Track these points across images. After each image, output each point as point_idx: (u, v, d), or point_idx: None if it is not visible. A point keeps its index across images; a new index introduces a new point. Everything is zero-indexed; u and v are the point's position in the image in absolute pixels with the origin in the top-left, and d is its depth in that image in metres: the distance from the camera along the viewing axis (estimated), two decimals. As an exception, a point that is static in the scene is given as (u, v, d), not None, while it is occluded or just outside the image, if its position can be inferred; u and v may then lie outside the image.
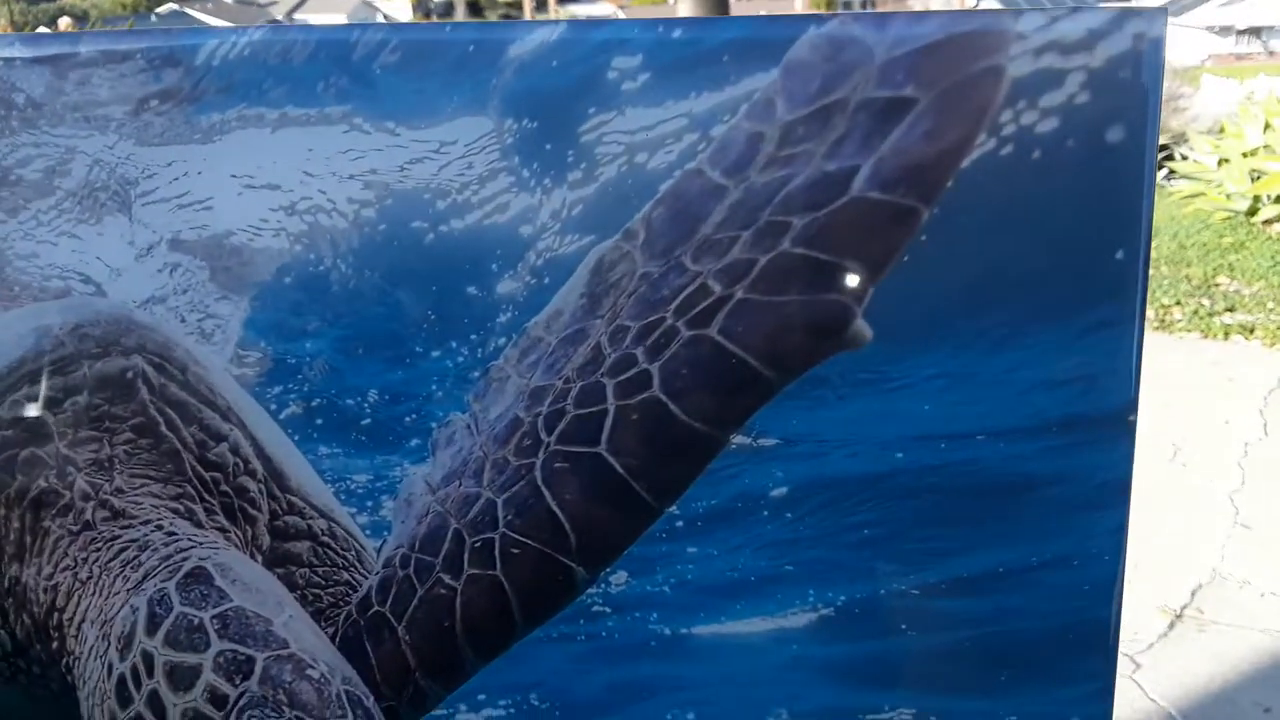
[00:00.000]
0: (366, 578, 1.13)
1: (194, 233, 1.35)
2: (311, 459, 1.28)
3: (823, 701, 1.48)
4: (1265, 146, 5.05)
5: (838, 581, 1.51)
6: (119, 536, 1.06)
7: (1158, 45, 0.93)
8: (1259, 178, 5.06)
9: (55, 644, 1.05)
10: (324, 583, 1.16)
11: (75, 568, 1.05)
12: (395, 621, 0.98)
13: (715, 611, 1.52)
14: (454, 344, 1.43)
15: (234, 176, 1.59)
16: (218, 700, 0.78)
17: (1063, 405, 1.37)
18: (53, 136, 1.48)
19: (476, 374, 1.07)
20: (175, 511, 1.10)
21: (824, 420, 1.69)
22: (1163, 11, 1.04)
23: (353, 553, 1.19)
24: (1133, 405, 1.24)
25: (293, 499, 1.18)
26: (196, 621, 0.85)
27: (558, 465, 0.89)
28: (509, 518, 0.90)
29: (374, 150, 1.51)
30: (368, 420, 1.24)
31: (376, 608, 1.01)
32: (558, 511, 0.86)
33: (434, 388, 1.31)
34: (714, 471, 0.89)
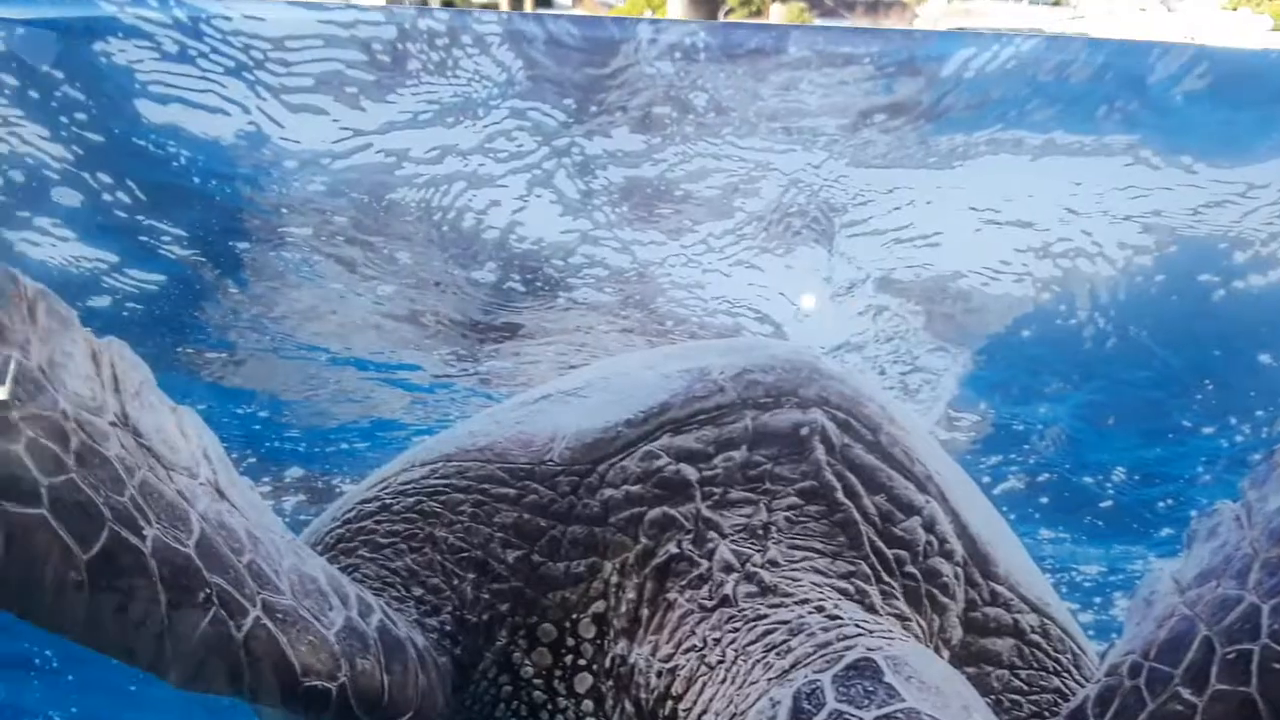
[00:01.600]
0: (1082, 686, 1.56)
1: (911, 272, 1.97)
2: (1029, 543, 1.68)
3: None
4: None
5: None
6: (765, 616, 1.48)
7: None
8: None
9: None
10: (1027, 688, 1.62)
11: (703, 649, 1.47)
12: None
13: None
14: (1233, 420, 1.76)
15: (973, 209, 2.19)
16: None
17: None
18: (739, 149, 2.26)
19: (1258, 456, 1.41)
20: (842, 592, 1.53)
21: None
22: None
23: (1068, 656, 1.66)
24: None
25: (998, 588, 1.62)
26: None
27: None
28: (1276, 627, 1.25)
29: (1161, 189, 1.95)
30: (1108, 502, 1.68)
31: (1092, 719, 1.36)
32: None
33: (1199, 469, 1.67)
34: None
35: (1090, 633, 1.60)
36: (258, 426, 2.12)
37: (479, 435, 1.68)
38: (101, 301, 1.42)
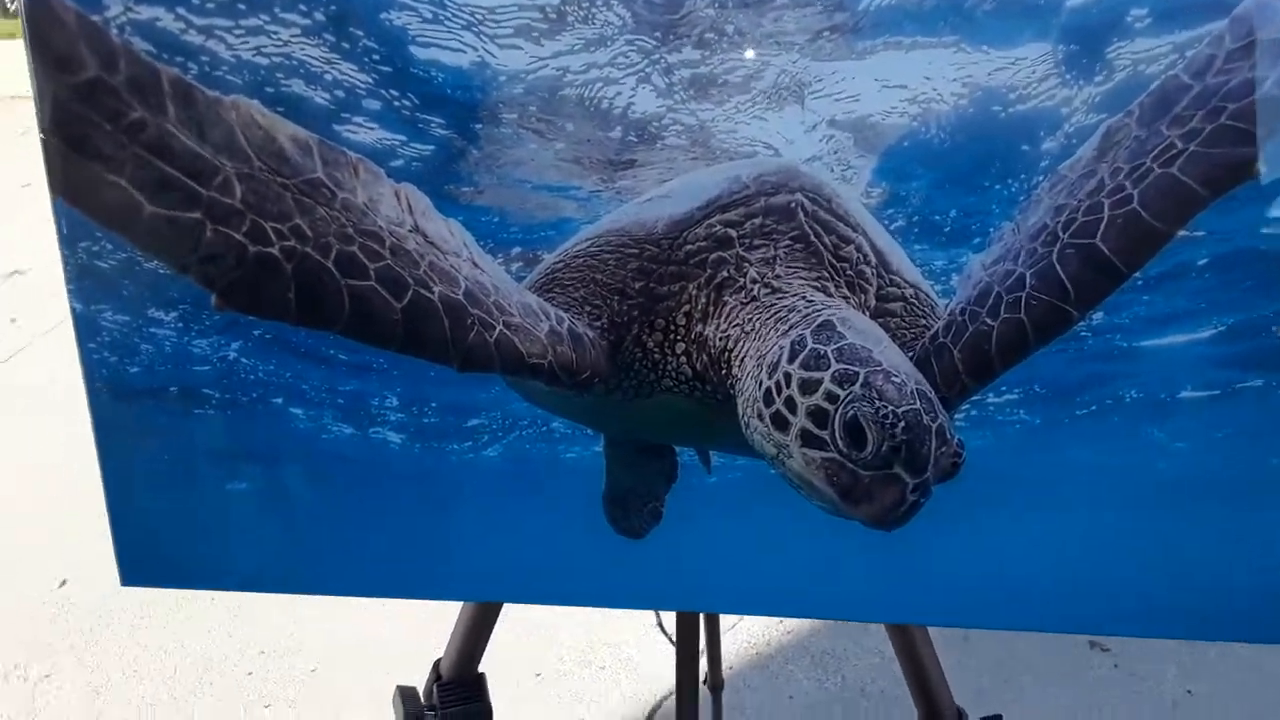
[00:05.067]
0: (936, 323, 1.98)
1: (846, 117, 2.31)
2: (908, 252, 2.07)
3: (1212, 380, 1.88)
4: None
5: (1228, 311, 1.95)
6: (775, 304, 1.91)
7: None
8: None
9: (724, 371, 1.92)
10: (909, 327, 2.07)
11: (742, 324, 1.93)
12: (953, 347, 1.86)
13: (1155, 333, 2.09)
14: (1010, 180, 2.17)
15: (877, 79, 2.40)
16: (831, 398, 1.55)
17: None
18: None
19: (1022, 198, 1.85)
20: (814, 288, 1.96)
21: (1232, 219, 2.15)
22: None
23: (929, 308, 2.05)
24: None
25: (893, 276, 2.07)
26: (822, 352, 1.62)
27: (1067, 251, 1.76)
28: (1033, 283, 1.78)
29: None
30: (948, 229, 2.17)
31: (942, 340, 1.88)
32: (1064, 278, 1.75)
33: (994, 207, 2.09)
34: (1163, 252, 1.81)
35: (941, 295, 2.20)
36: (494, 227, 2.32)
37: (616, 221, 2.13)
38: (397, 164, 1.71)
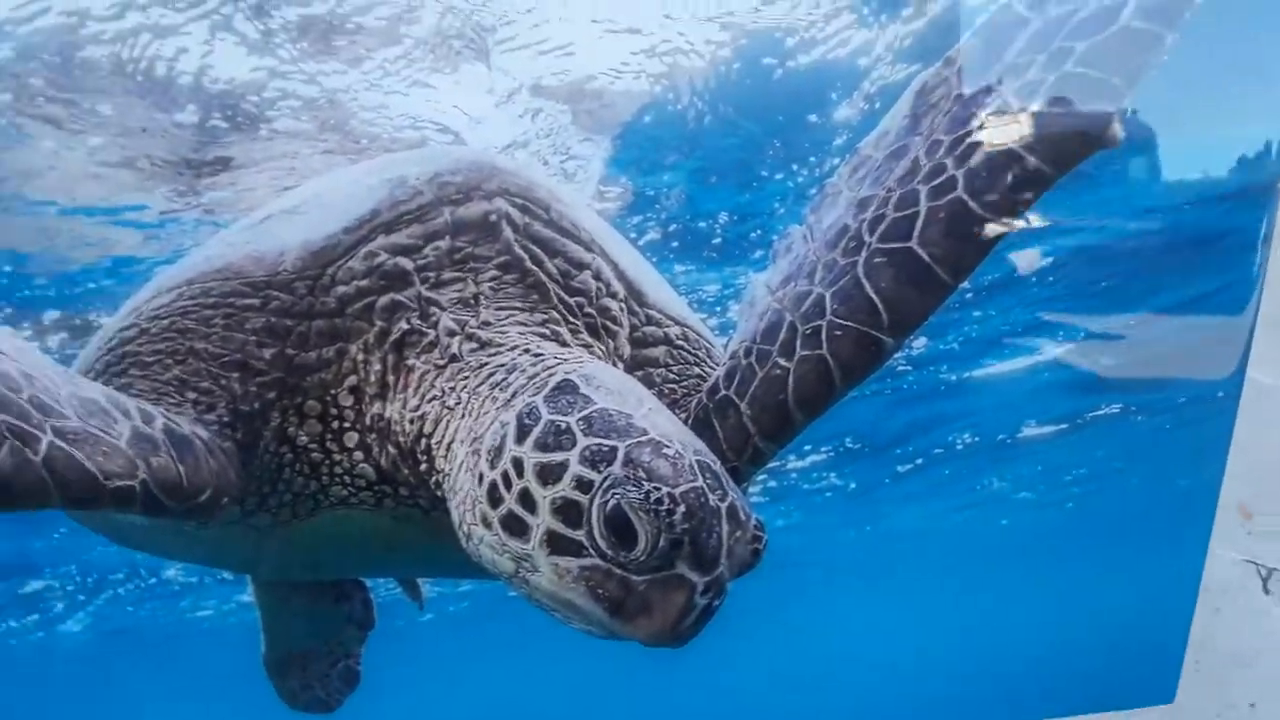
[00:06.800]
0: (714, 370, 1.67)
1: (555, 78, 1.95)
2: (668, 276, 1.76)
3: (1061, 410, 2.06)
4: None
5: (1080, 322, 2.15)
6: (486, 364, 1.50)
7: None
8: None
9: (424, 466, 1.50)
10: (678, 378, 1.75)
11: (443, 397, 1.50)
12: (739, 401, 1.51)
13: (991, 358, 2.10)
14: (795, 166, 1.97)
15: (595, 21, 2.22)
16: (583, 486, 1.18)
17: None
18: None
19: (813, 191, 1.55)
20: (541, 336, 1.58)
21: (1082, 204, 2.38)
22: None
23: (703, 350, 1.79)
24: None
25: (650, 312, 1.73)
26: (564, 425, 1.25)
27: (876, 260, 1.42)
28: (835, 306, 1.43)
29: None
30: (718, 239, 1.87)
31: (724, 392, 1.55)
32: (874, 297, 1.39)
33: (778, 205, 1.86)
34: (996, 251, 1.43)
35: (716, 332, 1.85)
36: (5, 281, 1.91)
37: (214, 258, 1.65)
38: None
